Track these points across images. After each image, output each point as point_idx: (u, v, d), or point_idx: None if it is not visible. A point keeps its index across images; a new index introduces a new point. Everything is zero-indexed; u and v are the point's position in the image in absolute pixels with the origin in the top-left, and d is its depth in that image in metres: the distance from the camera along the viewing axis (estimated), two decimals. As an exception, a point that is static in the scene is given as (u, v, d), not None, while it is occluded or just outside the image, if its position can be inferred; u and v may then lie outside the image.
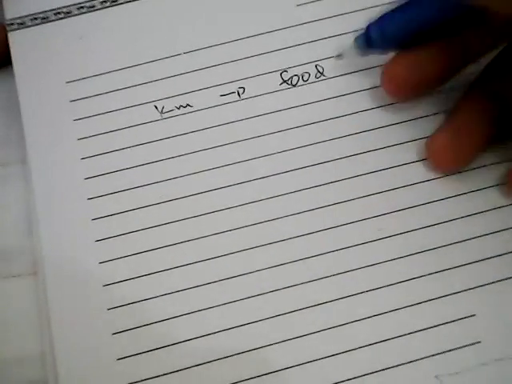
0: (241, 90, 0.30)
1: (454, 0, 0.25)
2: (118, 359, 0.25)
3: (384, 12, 0.27)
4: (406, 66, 0.27)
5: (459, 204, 0.27)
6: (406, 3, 0.27)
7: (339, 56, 0.30)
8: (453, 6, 0.25)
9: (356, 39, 0.28)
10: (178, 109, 0.30)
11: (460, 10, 0.26)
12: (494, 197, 0.27)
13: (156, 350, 0.25)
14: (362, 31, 0.28)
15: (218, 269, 0.26)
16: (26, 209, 0.29)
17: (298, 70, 0.30)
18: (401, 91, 0.28)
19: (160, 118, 0.29)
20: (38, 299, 0.27)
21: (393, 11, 0.27)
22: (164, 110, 0.30)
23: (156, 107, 0.30)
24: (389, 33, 0.27)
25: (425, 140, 0.28)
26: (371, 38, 0.28)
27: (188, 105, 0.30)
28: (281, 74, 0.30)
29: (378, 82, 0.29)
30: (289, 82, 0.30)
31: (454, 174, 0.28)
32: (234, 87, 0.30)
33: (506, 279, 0.26)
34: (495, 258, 0.26)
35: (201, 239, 0.27)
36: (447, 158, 0.27)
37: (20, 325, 0.27)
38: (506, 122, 0.27)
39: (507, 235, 0.27)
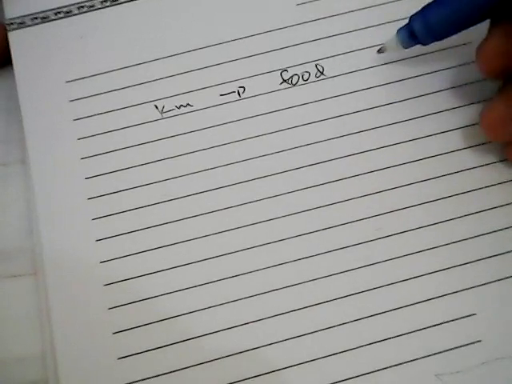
0: (241, 90, 0.30)
1: None
2: (119, 358, 0.25)
3: (427, 3, 0.26)
4: (502, 42, 0.25)
5: (458, 203, 0.27)
6: None
7: (381, 50, 0.29)
8: None
9: (398, 32, 0.28)
10: (179, 108, 0.30)
11: None
12: (493, 197, 0.27)
13: (156, 349, 0.25)
14: (405, 24, 0.27)
15: (218, 268, 0.26)
16: (26, 209, 0.29)
17: (298, 70, 0.30)
18: (500, 68, 0.26)
19: (160, 117, 0.29)
20: (38, 299, 0.27)
21: (436, 1, 0.26)
22: (164, 110, 0.30)
23: (156, 107, 0.30)
24: (433, 24, 0.26)
25: (424, 139, 0.28)
26: (415, 31, 0.27)
27: (188, 104, 0.30)
28: (281, 74, 0.30)
29: (377, 82, 0.29)
30: (289, 82, 0.30)
31: (453, 172, 0.28)
32: (234, 87, 0.30)
33: (507, 278, 0.26)
34: (495, 257, 0.26)
35: (200, 239, 0.27)
36: (503, 128, 0.26)
37: (20, 325, 0.27)
38: None
39: (507, 234, 0.27)
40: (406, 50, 0.29)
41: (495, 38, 0.26)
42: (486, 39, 0.26)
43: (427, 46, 0.28)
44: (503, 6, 0.25)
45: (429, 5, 0.27)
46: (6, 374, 0.26)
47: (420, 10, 0.27)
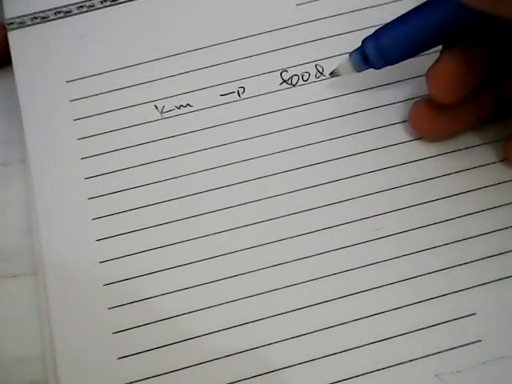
0: (241, 90, 0.30)
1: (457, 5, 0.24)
2: (119, 358, 0.25)
3: (380, 26, 0.27)
4: (454, 66, 0.25)
5: (458, 203, 0.27)
6: (403, 16, 0.26)
7: (333, 73, 0.29)
8: (453, 16, 0.25)
9: (351, 56, 0.28)
10: (178, 108, 0.30)
11: (460, 20, 0.25)
12: (493, 197, 0.27)
13: (156, 349, 0.25)
14: (357, 47, 0.28)
15: (218, 268, 0.26)
16: (26, 209, 0.29)
17: (298, 70, 0.30)
18: (451, 92, 0.26)
19: (160, 117, 0.29)
20: (38, 299, 0.27)
21: (389, 25, 0.26)
22: (164, 110, 0.30)
23: (156, 107, 0.30)
24: (386, 48, 0.26)
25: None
26: (367, 55, 0.27)
27: (188, 104, 0.30)
28: (281, 74, 0.30)
29: (377, 82, 0.29)
30: (289, 82, 0.30)
31: (453, 172, 0.28)
32: (234, 87, 0.30)
33: (507, 278, 0.26)
34: (495, 257, 0.26)
35: (200, 238, 0.27)
36: (428, 123, 0.27)
37: (20, 325, 0.27)
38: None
39: (508, 234, 0.27)
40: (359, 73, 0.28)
41: (447, 62, 0.26)
42: (437, 63, 0.26)
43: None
44: (456, 32, 0.25)
45: (381, 28, 0.27)
46: (5, 374, 0.26)
47: (373, 33, 0.27)
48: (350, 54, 0.28)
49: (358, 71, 0.28)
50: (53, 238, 0.27)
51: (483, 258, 0.26)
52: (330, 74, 0.29)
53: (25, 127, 0.29)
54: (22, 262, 0.28)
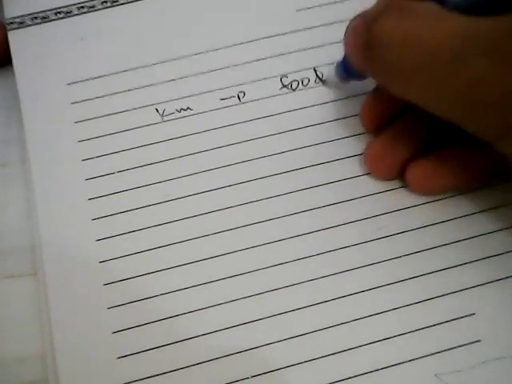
0: (241, 95, 0.30)
1: None
2: (119, 358, 0.25)
3: None
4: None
5: (458, 204, 0.28)
6: None
7: (324, 82, 0.30)
8: None
9: (335, 67, 0.29)
10: (179, 112, 0.30)
11: None
12: (495, 195, 0.28)
13: (156, 349, 0.25)
14: (340, 59, 0.28)
15: (218, 268, 0.27)
16: (26, 209, 0.29)
17: (298, 76, 0.30)
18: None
19: (161, 120, 0.30)
20: (38, 299, 0.27)
21: None
22: (165, 113, 0.30)
23: (157, 110, 0.30)
24: None
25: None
26: (349, 66, 0.27)
27: (189, 108, 0.30)
28: (281, 79, 0.30)
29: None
30: (289, 87, 0.30)
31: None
32: (234, 91, 0.30)
33: (506, 278, 0.26)
34: (495, 257, 0.26)
35: (200, 239, 0.27)
36: (381, 164, 0.28)
37: (20, 325, 0.27)
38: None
39: (507, 234, 0.27)
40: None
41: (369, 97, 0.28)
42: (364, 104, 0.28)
43: None
44: None
45: None
46: (5, 373, 0.26)
47: None
48: (335, 65, 0.29)
49: (343, 82, 0.29)
50: (53, 238, 0.27)
51: (483, 258, 0.26)
52: (322, 82, 0.30)
53: (25, 128, 0.29)
54: (22, 261, 0.28)
